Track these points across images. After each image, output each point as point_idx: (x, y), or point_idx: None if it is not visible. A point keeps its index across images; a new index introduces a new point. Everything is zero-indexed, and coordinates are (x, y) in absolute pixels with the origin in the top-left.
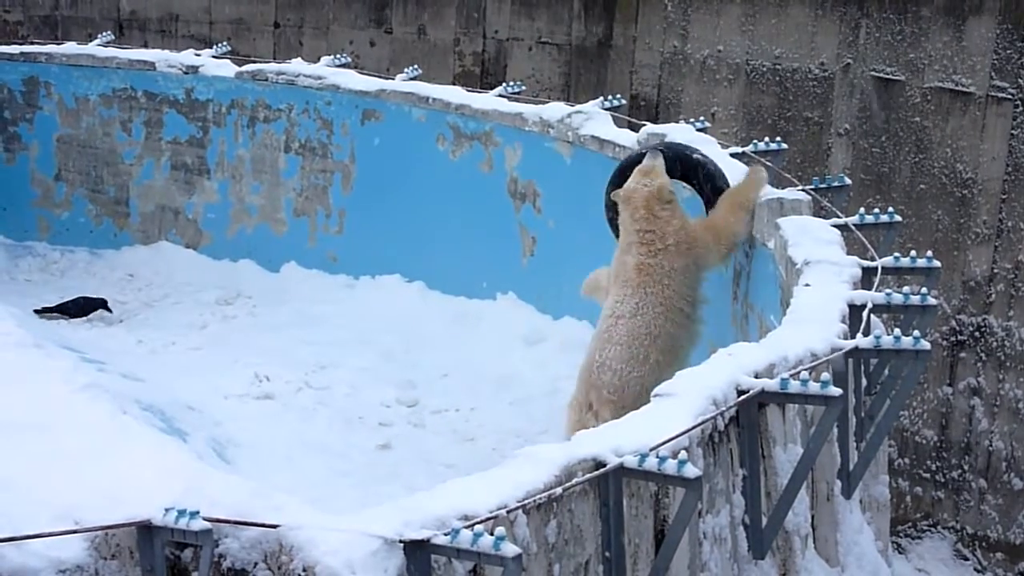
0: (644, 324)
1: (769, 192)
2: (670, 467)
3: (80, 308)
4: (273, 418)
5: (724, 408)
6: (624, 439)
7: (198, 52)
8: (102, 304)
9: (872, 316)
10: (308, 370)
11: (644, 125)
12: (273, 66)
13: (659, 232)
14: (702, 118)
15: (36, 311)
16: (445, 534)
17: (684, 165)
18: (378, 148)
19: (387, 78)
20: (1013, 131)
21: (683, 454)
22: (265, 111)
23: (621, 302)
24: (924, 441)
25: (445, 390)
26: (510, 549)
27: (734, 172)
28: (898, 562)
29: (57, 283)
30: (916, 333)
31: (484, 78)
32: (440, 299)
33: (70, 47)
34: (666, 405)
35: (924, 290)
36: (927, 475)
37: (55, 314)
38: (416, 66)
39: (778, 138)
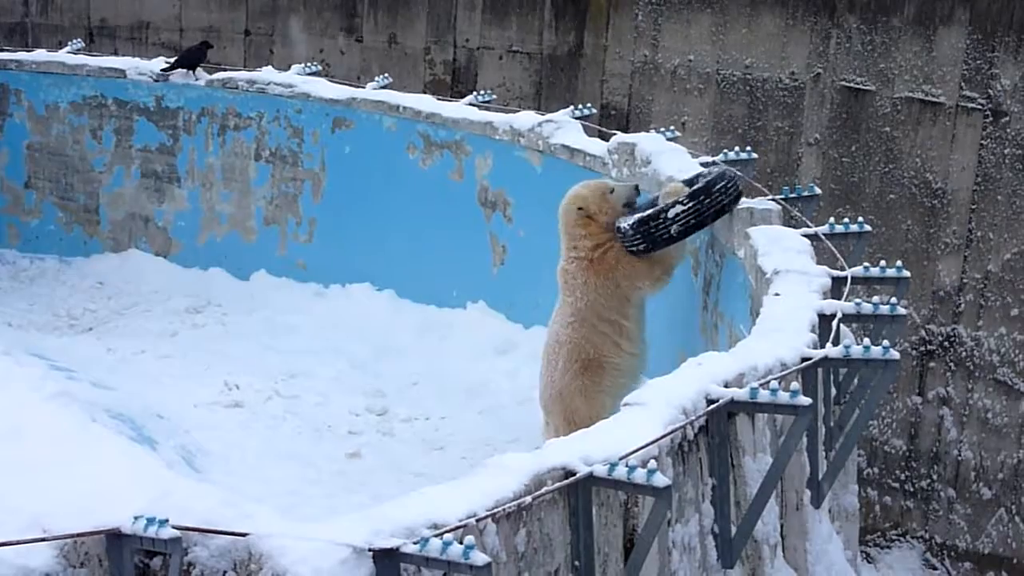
0: (555, 332)
1: (740, 202)
2: (639, 476)
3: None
4: (243, 426)
5: (693, 417)
6: (593, 448)
7: (169, 60)
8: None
9: (842, 326)
10: (278, 378)
11: (615, 134)
12: (243, 74)
13: (574, 239)
14: (672, 127)
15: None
16: (414, 543)
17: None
18: (348, 156)
19: (357, 86)
20: (983, 141)
21: (652, 463)
22: (235, 119)
23: (554, 312)
24: (893, 451)
25: (415, 399)
26: (479, 558)
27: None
28: (867, 571)
29: (26, 290)
30: (885, 343)
31: (455, 87)
32: (410, 308)
33: (40, 54)
34: (635, 414)
35: (894, 300)
36: (896, 484)
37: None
38: (387, 74)
39: (748, 147)
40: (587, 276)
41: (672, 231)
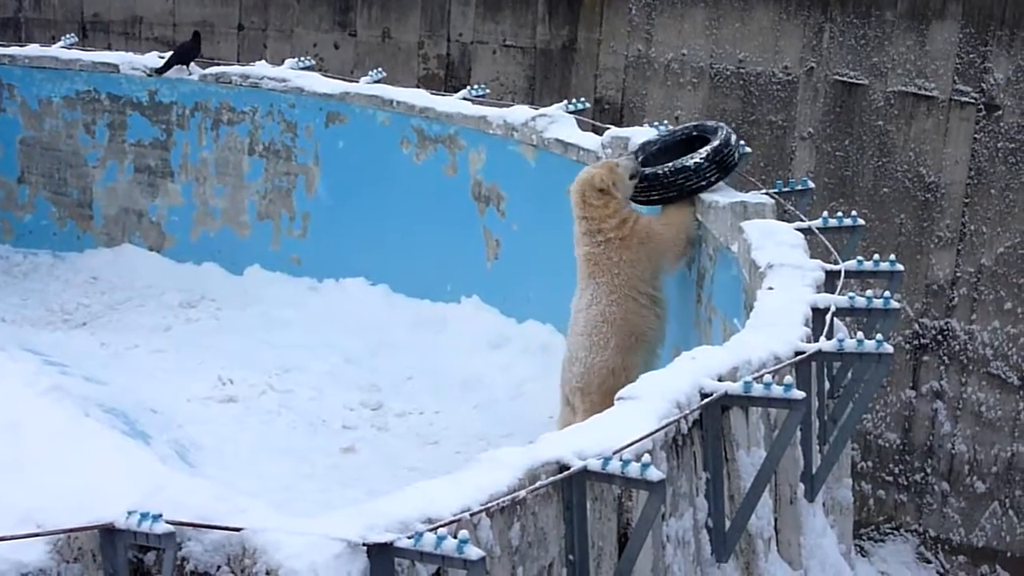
0: (599, 312)
1: (733, 196)
2: (634, 470)
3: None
4: (236, 421)
5: (688, 411)
6: (588, 442)
7: (162, 54)
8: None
9: (835, 319)
10: (272, 373)
11: (608, 128)
12: (237, 69)
13: (597, 222)
14: (666, 121)
15: (156, 69)
16: (409, 537)
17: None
18: (342, 151)
19: (351, 81)
20: (976, 135)
21: (647, 457)
22: (229, 114)
23: (580, 296)
24: (887, 444)
25: (409, 393)
26: (474, 552)
27: None
28: (861, 565)
29: (20, 286)
30: (879, 336)
31: (448, 81)
32: (404, 302)
33: (33, 49)
34: (630, 408)
35: (887, 294)
36: (890, 478)
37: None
38: (380, 69)
39: (742, 142)
40: (620, 254)
41: (736, 156)
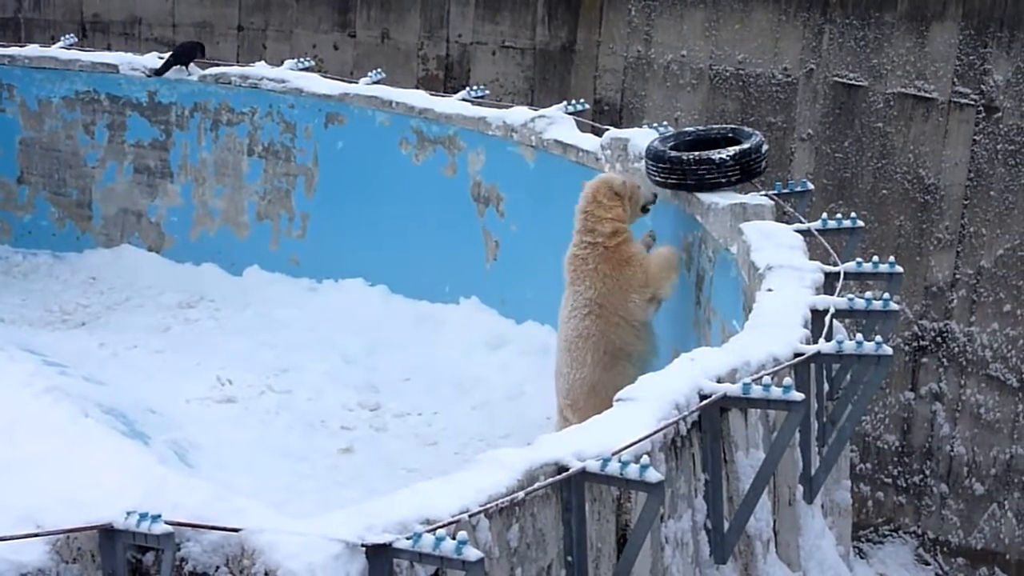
0: (575, 327)
1: (732, 197)
2: (632, 471)
3: (185, 54)
4: (235, 422)
5: (687, 412)
6: (586, 443)
7: (162, 55)
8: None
9: (834, 321)
10: (270, 374)
11: (607, 129)
12: (236, 69)
13: (594, 220)
14: (665, 123)
15: (155, 70)
16: (407, 538)
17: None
18: (341, 152)
19: (351, 82)
20: (975, 137)
21: (645, 458)
22: (228, 114)
23: (563, 305)
24: (886, 446)
25: (407, 394)
26: (472, 553)
27: None
28: (859, 567)
29: (19, 285)
30: (878, 338)
31: (448, 82)
32: (403, 303)
33: (33, 49)
34: (629, 409)
35: (886, 295)
36: (889, 480)
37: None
38: (380, 70)
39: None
40: (598, 263)
41: (762, 165)
